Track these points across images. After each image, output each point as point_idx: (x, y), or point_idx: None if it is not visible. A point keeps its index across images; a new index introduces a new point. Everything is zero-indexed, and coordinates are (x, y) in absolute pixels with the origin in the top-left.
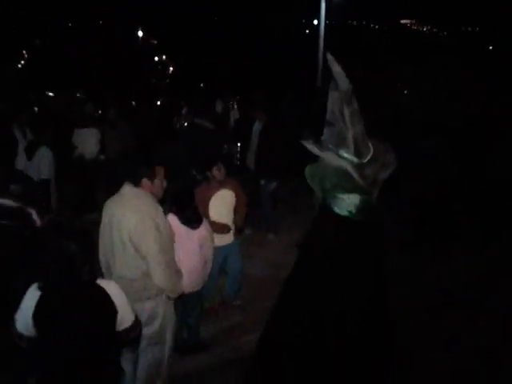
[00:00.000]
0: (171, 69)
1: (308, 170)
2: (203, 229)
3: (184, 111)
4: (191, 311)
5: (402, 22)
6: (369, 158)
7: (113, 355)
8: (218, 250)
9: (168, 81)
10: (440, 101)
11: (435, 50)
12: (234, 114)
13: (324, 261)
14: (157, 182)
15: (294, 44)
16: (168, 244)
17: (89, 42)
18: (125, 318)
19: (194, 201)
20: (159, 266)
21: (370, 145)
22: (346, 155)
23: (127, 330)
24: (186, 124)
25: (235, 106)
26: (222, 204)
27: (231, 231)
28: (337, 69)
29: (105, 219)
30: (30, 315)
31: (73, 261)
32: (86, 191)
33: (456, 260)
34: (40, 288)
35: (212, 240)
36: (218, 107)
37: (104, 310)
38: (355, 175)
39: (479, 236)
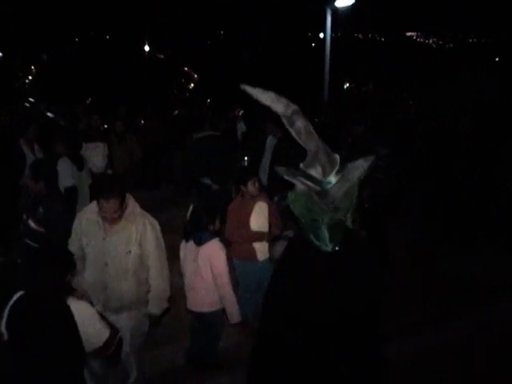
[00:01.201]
0: (192, 84)
1: (290, 196)
2: (208, 248)
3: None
4: (207, 331)
5: (408, 34)
6: (333, 175)
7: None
8: (257, 265)
9: (188, 94)
10: (447, 112)
11: (441, 62)
12: (241, 127)
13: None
14: None
15: (300, 57)
16: None
17: (96, 56)
18: (93, 339)
19: (212, 223)
20: None
21: (336, 158)
22: (313, 174)
23: (99, 350)
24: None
25: (242, 119)
26: (260, 217)
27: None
28: (263, 98)
29: None
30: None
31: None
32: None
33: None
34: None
35: (226, 258)
36: (242, 128)
37: (61, 328)
38: (316, 199)
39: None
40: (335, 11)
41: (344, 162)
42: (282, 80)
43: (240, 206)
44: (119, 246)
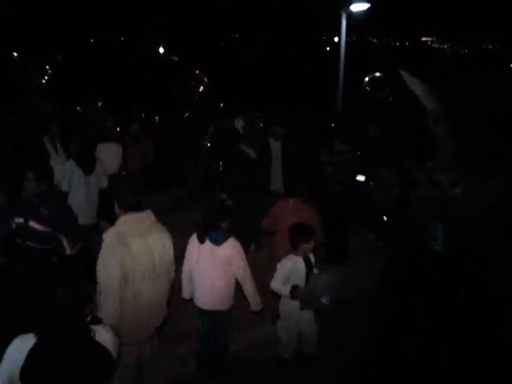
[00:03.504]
0: (202, 88)
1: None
2: (228, 247)
3: (210, 130)
4: (220, 331)
5: (423, 39)
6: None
7: None
8: None
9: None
10: (462, 119)
11: (456, 67)
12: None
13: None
14: None
15: (313, 61)
16: None
17: (110, 57)
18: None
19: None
20: None
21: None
22: (442, 180)
23: None
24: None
25: (261, 124)
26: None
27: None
28: (417, 88)
29: None
30: (18, 368)
31: (77, 309)
32: (106, 206)
33: None
34: (36, 337)
35: (242, 259)
36: (239, 124)
37: (99, 367)
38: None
39: None
40: (350, 15)
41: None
42: (299, 84)
43: (288, 215)
44: None
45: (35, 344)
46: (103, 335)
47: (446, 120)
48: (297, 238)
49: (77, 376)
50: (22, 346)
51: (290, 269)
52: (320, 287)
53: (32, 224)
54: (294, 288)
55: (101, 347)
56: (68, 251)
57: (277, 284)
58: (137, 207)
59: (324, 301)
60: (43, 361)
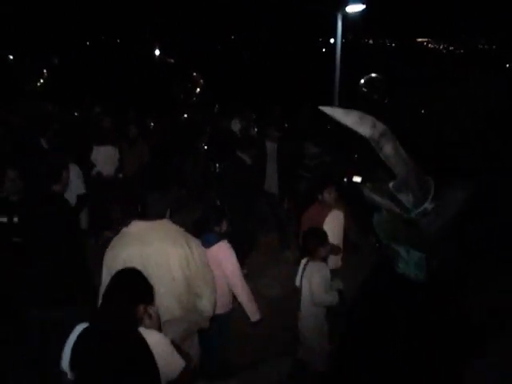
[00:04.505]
0: (199, 89)
1: (374, 219)
2: (217, 249)
3: (208, 131)
4: (218, 335)
5: (419, 40)
6: (427, 203)
7: None
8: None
9: (195, 99)
10: (458, 120)
11: (452, 68)
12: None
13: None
14: None
15: (310, 62)
16: None
17: (107, 59)
18: (172, 367)
19: (218, 224)
20: None
21: (430, 185)
22: (403, 200)
23: (180, 376)
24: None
25: (255, 129)
26: (335, 225)
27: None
28: (345, 120)
29: None
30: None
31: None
32: (102, 209)
33: None
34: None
35: (231, 264)
36: (235, 126)
37: (139, 361)
38: (402, 227)
39: None
40: (346, 16)
41: (439, 188)
42: (294, 84)
43: (314, 214)
44: None
45: (83, 331)
46: (153, 337)
47: (387, 140)
48: (312, 243)
49: (115, 368)
50: (77, 331)
51: (328, 276)
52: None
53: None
54: (340, 292)
55: (145, 347)
56: None
57: (323, 296)
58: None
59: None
60: (86, 349)
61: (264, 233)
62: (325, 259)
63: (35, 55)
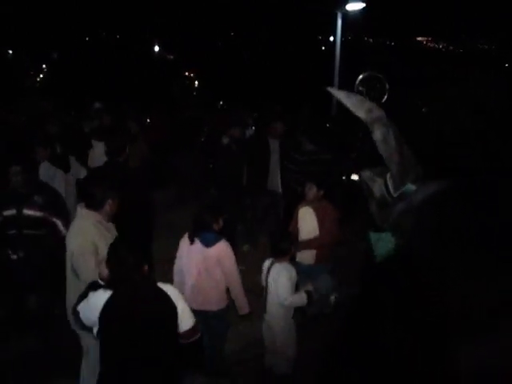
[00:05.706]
0: (196, 83)
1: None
2: (218, 249)
3: (206, 129)
4: (212, 331)
5: (419, 39)
6: (403, 190)
7: (174, 359)
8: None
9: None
10: (458, 120)
11: (451, 67)
12: (250, 133)
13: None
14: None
15: (310, 61)
16: None
17: (106, 56)
18: (184, 321)
19: (215, 221)
20: None
21: (409, 173)
22: (390, 184)
23: (187, 333)
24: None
25: (252, 127)
26: (307, 222)
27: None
28: (346, 101)
29: None
30: (97, 314)
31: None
32: None
33: None
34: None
35: (231, 262)
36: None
37: (166, 310)
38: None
39: None
40: (346, 15)
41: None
42: (293, 82)
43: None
44: None
45: (112, 295)
46: (172, 291)
47: (379, 126)
48: (287, 243)
49: (146, 319)
50: (103, 294)
51: (294, 277)
52: (324, 288)
53: (26, 212)
54: (309, 293)
55: (165, 295)
56: (63, 233)
57: (290, 298)
58: None
59: (331, 299)
60: (117, 308)
61: (264, 233)
62: (292, 259)
63: (35, 51)
